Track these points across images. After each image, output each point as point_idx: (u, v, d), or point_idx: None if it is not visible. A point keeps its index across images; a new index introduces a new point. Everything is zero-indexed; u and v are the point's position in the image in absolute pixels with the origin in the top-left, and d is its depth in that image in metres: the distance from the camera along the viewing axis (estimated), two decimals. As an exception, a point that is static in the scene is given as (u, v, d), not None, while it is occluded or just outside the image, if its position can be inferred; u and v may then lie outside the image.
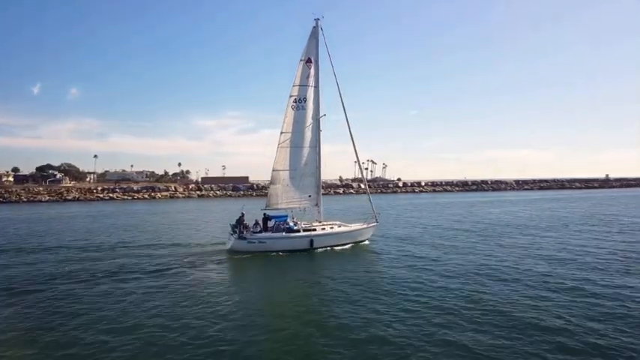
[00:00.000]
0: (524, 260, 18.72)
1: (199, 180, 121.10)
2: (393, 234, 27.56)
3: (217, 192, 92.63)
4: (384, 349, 9.46)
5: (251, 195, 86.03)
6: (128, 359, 9.23)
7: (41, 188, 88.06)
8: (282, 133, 23.13)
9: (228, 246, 21.64)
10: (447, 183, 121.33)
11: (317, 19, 23.46)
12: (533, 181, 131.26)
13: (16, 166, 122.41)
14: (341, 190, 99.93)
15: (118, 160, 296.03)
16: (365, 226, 24.01)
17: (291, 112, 23.17)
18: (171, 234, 28.75)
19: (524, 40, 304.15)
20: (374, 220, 24.33)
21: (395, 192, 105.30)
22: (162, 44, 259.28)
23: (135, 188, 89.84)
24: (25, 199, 76.35)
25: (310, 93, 23.55)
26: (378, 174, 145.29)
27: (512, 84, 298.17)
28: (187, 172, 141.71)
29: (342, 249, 22.24)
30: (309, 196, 23.91)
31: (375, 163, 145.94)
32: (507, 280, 15.11)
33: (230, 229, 22.34)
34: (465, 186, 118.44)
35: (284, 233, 21.67)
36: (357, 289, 14.42)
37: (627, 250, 20.73)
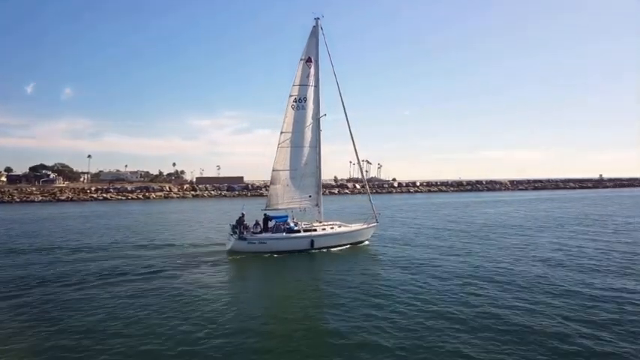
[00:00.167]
0: (519, 261, 18.74)
1: (194, 180, 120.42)
2: (388, 235, 27.47)
3: (212, 192, 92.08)
4: (378, 356, 9.28)
5: (246, 195, 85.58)
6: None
7: (34, 188, 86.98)
8: (282, 132, 23.00)
9: (228, 247, 21.45)
10: (442, 183, 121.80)
11: (317, 19, 23.43)
12: (528, 182, 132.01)
13: (8, 165, 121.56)
14: (336, 191, 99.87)
15: (112, 160, 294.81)
16: (365, 226, 23.93)
17: (291, 112, 23.05)
18: (164, 234, 28.50)
19: (523, 40, 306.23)
20: (374, 221, 24.26)
21: (390, 192, 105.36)
22: (157, 43, 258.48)
23: (129, 188, 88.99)
24: (17, 200, 75.38)
25: (310, 92, 23.45)
26: (373, 174, 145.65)
27: (513, 84, 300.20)
28: (182, 172, 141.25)
29: (341, 250, 22.13)
30: (310, 196, 23.79)
31: (371, 164, 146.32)
32: (502, 282, 15.07)
33: (230, 229, 22.17)
34: (459, 186, 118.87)
35: (284, 234, 21.54)
36: (353, 291, 14.26)
37: (622, 251, 20.83)
